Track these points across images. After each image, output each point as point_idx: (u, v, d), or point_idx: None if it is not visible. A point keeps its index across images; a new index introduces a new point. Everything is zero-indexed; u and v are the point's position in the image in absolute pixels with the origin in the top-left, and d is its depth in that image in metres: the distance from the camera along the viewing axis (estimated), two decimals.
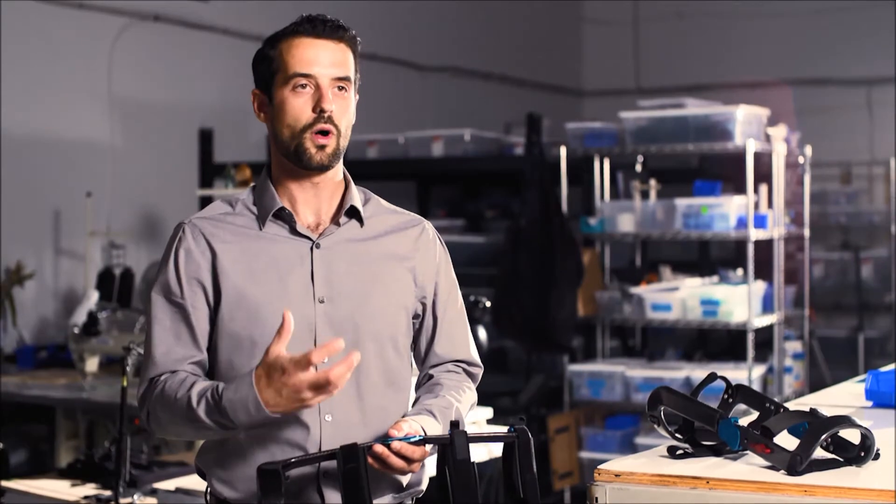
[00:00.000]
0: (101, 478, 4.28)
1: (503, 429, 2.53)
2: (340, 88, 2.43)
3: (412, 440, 2.30)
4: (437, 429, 2.41)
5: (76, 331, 5.63)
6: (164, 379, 2.40)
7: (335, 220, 2.48)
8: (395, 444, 2.28)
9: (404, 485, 2.50)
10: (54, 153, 7.07)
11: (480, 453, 4.31)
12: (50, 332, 7.00)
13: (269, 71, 2.45)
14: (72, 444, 5.77)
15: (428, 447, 2.34)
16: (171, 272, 2.43)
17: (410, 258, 2.53)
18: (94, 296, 5.99)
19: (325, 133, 2.41)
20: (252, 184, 2.59)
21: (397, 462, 2.29)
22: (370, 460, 2.27)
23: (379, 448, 2.27)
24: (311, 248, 2.45)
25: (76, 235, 7.04)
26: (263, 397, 2.22)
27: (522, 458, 2.34)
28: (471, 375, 2.65)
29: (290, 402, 2.22)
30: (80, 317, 5.69)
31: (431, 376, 2.59)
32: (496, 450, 4.33)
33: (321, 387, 2.19)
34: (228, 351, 2.41)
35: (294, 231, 2.46)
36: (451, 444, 2.28)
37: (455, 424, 2.30)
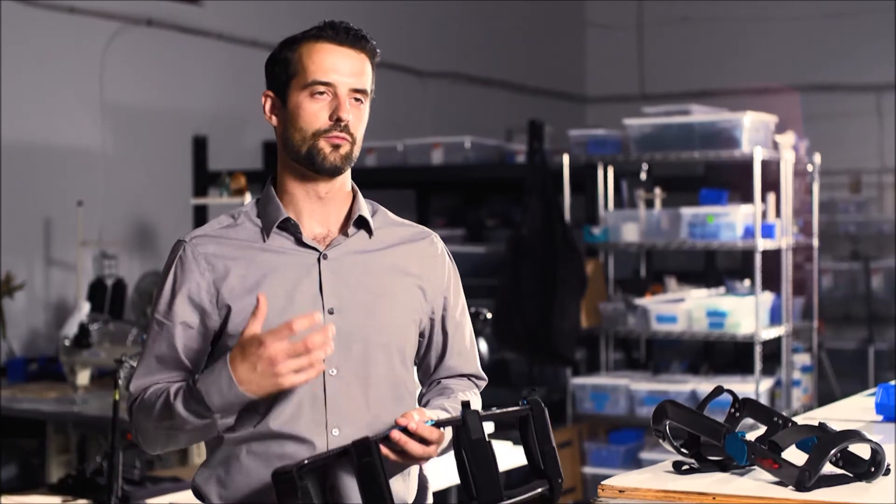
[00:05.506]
0: (92, 493, 4.24)
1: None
2: (357, 100, 2.44)
3: (425, 423, 2.27)
4: None
5: (67, 343, 5.62)
6: (144, 391, 2.41)
7: (343, 231, 2.46)
8: (412, 426, 2.24)
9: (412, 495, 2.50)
10: (45, 161, 7.00)
11: None
12: (40, 344, 6.94)
13: (286, 74, 2.43)
14: (63, 459, 5.76)
15: (444, 442, 2.33)
16: (166, 292, 2.43)
17: (419, 275, 2.52)
18: (85, 307, 5.99)
19: (339, 139, 2.40)
20: (256, 197, 2.58)
21: (416, 447, 2.26)
22: (385, 451, 2.23)
23: (396, 434, 2.24)
24: (319, 259, 2.42)
25: (67, 245, 6.97)
26: (237, 375, 2.22)
27: (538, 429, 2.33)
28: (476, 386, 2.66)
29: (264, 378, 2.21)
30: (72, 328, 5.68)
31: (439, 382, 2.60)
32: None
33: (299, 356, 2.18)
34: None
35: (300, 242, 2.44)
36: (464, 425, 2.23)
37: (466, 405, 2.26)
